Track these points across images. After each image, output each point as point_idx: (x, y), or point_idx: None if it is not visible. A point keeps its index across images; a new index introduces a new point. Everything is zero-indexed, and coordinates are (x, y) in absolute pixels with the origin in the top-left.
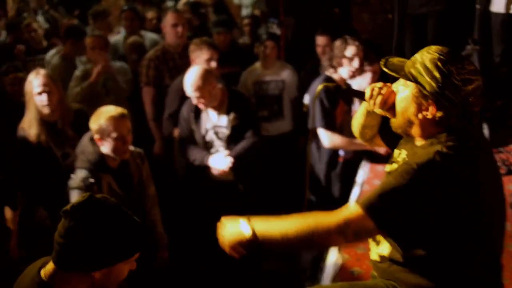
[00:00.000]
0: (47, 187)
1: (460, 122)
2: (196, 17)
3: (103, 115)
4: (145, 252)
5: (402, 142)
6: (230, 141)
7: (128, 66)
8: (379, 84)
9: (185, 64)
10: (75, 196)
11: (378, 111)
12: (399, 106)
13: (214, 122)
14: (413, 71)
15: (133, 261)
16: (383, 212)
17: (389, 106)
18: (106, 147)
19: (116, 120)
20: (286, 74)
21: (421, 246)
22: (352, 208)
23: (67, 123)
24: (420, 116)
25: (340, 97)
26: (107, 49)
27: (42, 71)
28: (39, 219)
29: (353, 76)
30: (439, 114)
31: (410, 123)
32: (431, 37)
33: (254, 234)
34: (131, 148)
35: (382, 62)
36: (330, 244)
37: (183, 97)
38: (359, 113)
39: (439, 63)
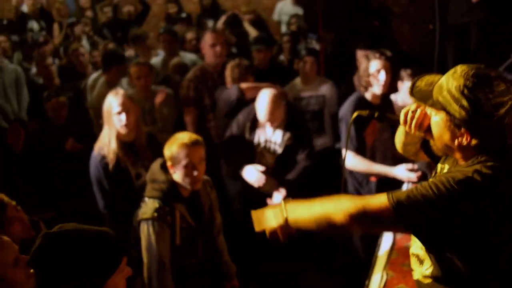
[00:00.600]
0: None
1: (498, 144)
2: (234, 36)
3: (176, 142)
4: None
5: (446, 157)
6: (281, 160)
7: (172, 89)
8: (413, 106)
9: (225, 83)
10: (147, 228)
11: (417, 133)
12: (434, 131)
13: (268, 137)
14: (441, 99)
15: (124, 269)
16: (406, 210)
17: (425, 128)
18: (177, 175)
19: (188, 147)
20: (326, 89)
21: (456, 263)
22: (380, 197)
23: (142, 144)
24: (456, 142)
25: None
26: (152, 76)
27: (121, 91)
28: None
29: (385, 91)
30: (474, 141)
31: (448, 148)
32: (473, 46)
33: (286, 221)
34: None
35: (409, 90)
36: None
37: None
38: (399, 131)
39: (466, 91)
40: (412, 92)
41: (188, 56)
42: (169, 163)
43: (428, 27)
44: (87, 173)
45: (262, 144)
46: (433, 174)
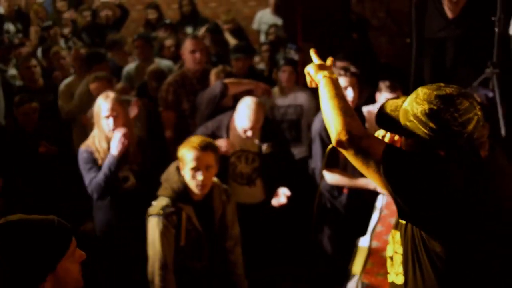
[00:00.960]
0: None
1: (471, 155)
2: (215, 44)
3: (187, 144)
4: None
5: None
6: (261, 169)
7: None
8: (382, 132)
9: (203, 89)
10: (153, 224)
11: None
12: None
13: (244, 147)
14: (409, 124)
15: (75, 253)
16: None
17: None
18: (186, 178)
19: (196, 151)
20: (304, 99)
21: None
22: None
23: (132, 148)
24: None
25: None
26: (111, 88)
27: (111, 95)
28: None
29: (354, 106)
30: (450, 156)
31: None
32: (449, 61)
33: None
34: (218, 183)
35: (375, 121)
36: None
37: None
38: None
39: (431, 114)
40: (380, 123)
41: (163, 63)
42: (179, 164)
43: (405, 40)
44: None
45: (237, 154)
46: None
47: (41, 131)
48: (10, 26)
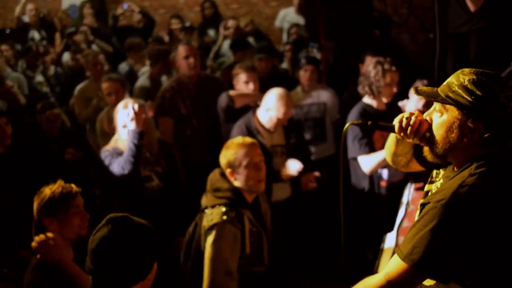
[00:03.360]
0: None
1: (506, 140)
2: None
3: (232, 146)
4: None
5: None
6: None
7: None
8: (407, 114)
9: (200, 94)
10: (217, 232)
11: (413, 140)
12: (437, 133)
13: (274, 142)
14: (451, 94)
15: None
16: (426, 263)
17: (422, 135)
18: (239, 181)
19: (247, 147)
20: (327, 97)
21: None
22: (394, 263)
23: (154, 151)
24: (465, 140)
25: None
26: (124, 92)
27: (130, 102)
28: None
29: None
30: (486, 134)
31: (452, 148)
32: (473, 55)
33: None
34: None
35: (413, 90)
36: None
37: None
38: (389, 142)
39: (479, 82)
40: (418, 92)
41: None
42: (228, 170)
43: (428, 36)
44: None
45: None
46: (428, 179)
47: (64, 138)
48: (35, 34)
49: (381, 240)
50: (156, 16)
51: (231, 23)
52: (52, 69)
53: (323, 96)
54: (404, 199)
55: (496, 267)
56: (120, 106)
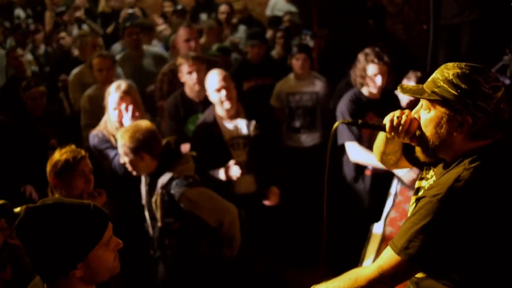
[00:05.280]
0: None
1: (495, 132)
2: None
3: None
4: None
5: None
6: (252, 152)
7: None
8: (397, 112)
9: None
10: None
11: (401, 140)
12: (426, 130)
13: (234, 133)
14: (437, 90)
15: (111, 241)
16: (421, 256)
17: (412, 133)
18: None
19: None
20: (320, 86)
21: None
22: (387, 256)
23: None
24: (454, 134)
25: (368, 111)
26: (115, 69)
27: (123, 85)
28: None
29: (380, 91)
30: (475, 127)
31: (442, 144)
32: (464, 48)
33: None
34: None
35: (399, 89)
36: None
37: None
38: (378, 141)
39: (463, 76)
40: (404, 90)
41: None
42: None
43: (422, 27)
44: None
45: (229, 143)
46: (418, 176)
47: (48, 119)
48: (20, 12)
49: (366, 230)
50: None
51: (224, 8)
52: (42, 48)
53: (316, 85)
54: (392, 190)
55: (490, 261)
56: (112, 88)
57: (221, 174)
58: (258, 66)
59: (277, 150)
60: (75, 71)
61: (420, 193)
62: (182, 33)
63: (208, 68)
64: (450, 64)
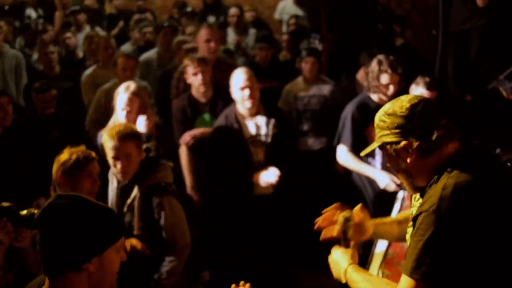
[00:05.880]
0: None
1: (447, 138)
2: None
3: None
4: None
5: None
6: (270, 151)
7: None
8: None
9: (215, 78)
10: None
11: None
12: (396, 173)
13: (253, 131)
14: (380, 138)
15: (121, 250)
16: (435, 275)
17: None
18: None
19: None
20: (328, 90)
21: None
22: (402, 283)
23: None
24: (409, 160)
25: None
26: (136, 69)
27: (132, 86)
28: None
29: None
30: (424, 145)
31: (409, 176)
32: (474, 53)
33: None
34: None
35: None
36: None
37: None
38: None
39: (384, 114)
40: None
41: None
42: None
43: (431, 32)
44: None
45: (250, 140)
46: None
47: (57, 118)
48: (31, 12)
49: None
50: None
51: (234, 11)
52: (52, 48)
53: (324, 89)
54: (400, 194)
55: (495, 267)
56: (121, 89)
57: (263, 177)
58: (266, 69)
59: (294, 150)
60: (87, 72)
61: (417, 210)
62: (203, 33)
63: (224, 69)
64: (378, 115)
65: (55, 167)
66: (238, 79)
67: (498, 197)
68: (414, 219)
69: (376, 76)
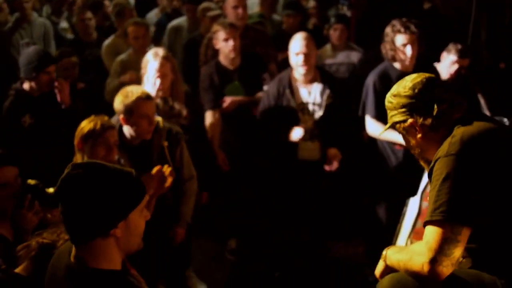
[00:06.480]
0: None
1: (451, 112)
2: None
3: (132, 95)
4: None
5: None
6: (322, 123)
7: None
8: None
9: (244, 45)
10: None
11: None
12: (411, 150)
13: (304, 99)
14: (391, 118)
15: (144, 210)
16: (455, 208)
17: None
18: (128, 128)
19: (144, 100)
20: (357, 58)
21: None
22: (427, 232)
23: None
24: (418, 136)
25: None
26: (149, 36)
27: (161, 53)
28: None
29: (413, 63)
30: (429, 121)
31: (421, 151)
32: (509, 19)
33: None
34: (167, 125)
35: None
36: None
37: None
38: None
39: (393, 95)
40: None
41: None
42: (121, 116)
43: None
44: None
45: (300, 107)
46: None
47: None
48: None
49: (403, 204)
50: None
51: None
52: (89, 14)
53: (353, 56)
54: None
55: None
56: (150, 56)
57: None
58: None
59: (349, 122)
60: (106, 42)
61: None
62: (230, 0)
63: (252, 36)
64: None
65: (76, 133)
66: (295, 44)
67: (501, 148)
68: (430, 174)
69: (391, 40)
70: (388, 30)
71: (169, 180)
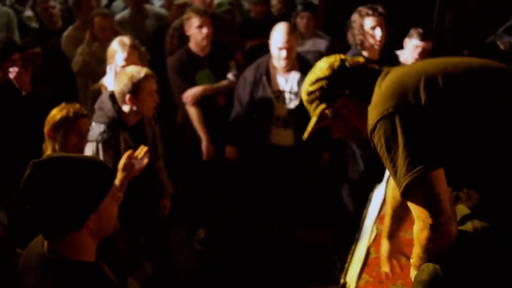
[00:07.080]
0: None
1: (365, 78)
2: None
3: (138, 74)
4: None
5: None
6: (298, 109)
7: None
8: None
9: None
10: (92, 149)
11: None
12: (346, 135)
13: (281, 87)
14: (313, 112)
15: (116, 193)
16: (418, 162)
17: None
18: (127, 106)
19: (151, 78)
20: (324, 46)
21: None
22: (411, 206)
23: None
24: (351, 114)
25: None
26: (114, 28)
27: (127, 41)
28: None
29: (381, 46)
30: (353, 90)
31: (359, 134)
32: (473, 7)
33: None
34: None
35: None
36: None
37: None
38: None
39: (309, 82)
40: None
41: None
42: (128, 96)
43: None
44: None
45: (276, 94)
46: None
47: (45, 76)
48: None
49: (369, 189)
50: None
51: None
52: (52, 2)
53: (320, 44)
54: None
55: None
56: (115, 45)
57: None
58: (261, 24)
59: None
60: (66, 33)
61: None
62: None
63: (219, 24)
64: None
65: (46, 121)
66: (278, 37)
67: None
68: (374, 148)
69: (359, 25)
70: (355, 16)
71: (145, 161)
